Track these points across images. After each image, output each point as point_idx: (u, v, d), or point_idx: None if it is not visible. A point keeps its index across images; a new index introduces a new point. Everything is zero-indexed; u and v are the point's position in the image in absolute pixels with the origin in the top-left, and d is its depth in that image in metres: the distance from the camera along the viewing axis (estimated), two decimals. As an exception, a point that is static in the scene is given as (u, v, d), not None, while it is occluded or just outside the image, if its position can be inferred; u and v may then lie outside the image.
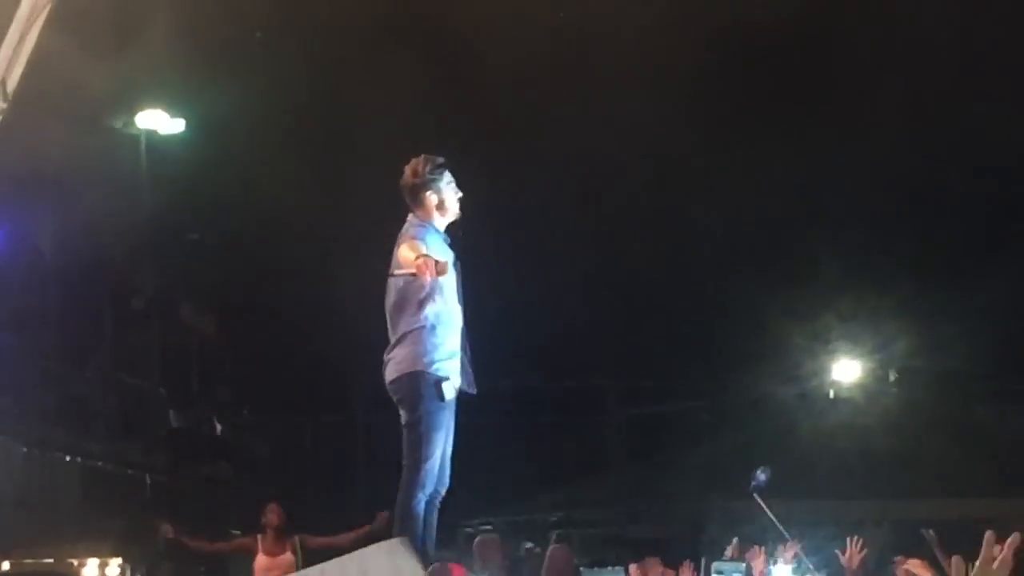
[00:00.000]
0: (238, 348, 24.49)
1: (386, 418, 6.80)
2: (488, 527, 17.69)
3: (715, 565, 9.48)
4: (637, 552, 12.06)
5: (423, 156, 6.98)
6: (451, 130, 16.85)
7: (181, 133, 20.50)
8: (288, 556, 11.46)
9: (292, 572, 10.14)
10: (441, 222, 6.93)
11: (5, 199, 13.55)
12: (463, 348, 6.84)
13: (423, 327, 6.67)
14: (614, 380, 27.18)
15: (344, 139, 18.97)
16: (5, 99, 7.97)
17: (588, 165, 21.36)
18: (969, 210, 22.85)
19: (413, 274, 6.38)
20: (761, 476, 10.05)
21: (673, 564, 10.40)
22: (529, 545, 14.05)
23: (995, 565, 3.41)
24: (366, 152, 16.72)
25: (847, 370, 24.44)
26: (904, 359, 23.86)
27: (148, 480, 19.57)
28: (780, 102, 20.54)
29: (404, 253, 6.52)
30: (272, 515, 11.67)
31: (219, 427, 23.66)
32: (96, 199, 17.04)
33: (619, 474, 24.97)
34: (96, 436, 18.80)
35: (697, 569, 9.72)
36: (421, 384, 6.65)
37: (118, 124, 20.15)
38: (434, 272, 6.24)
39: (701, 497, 20.38)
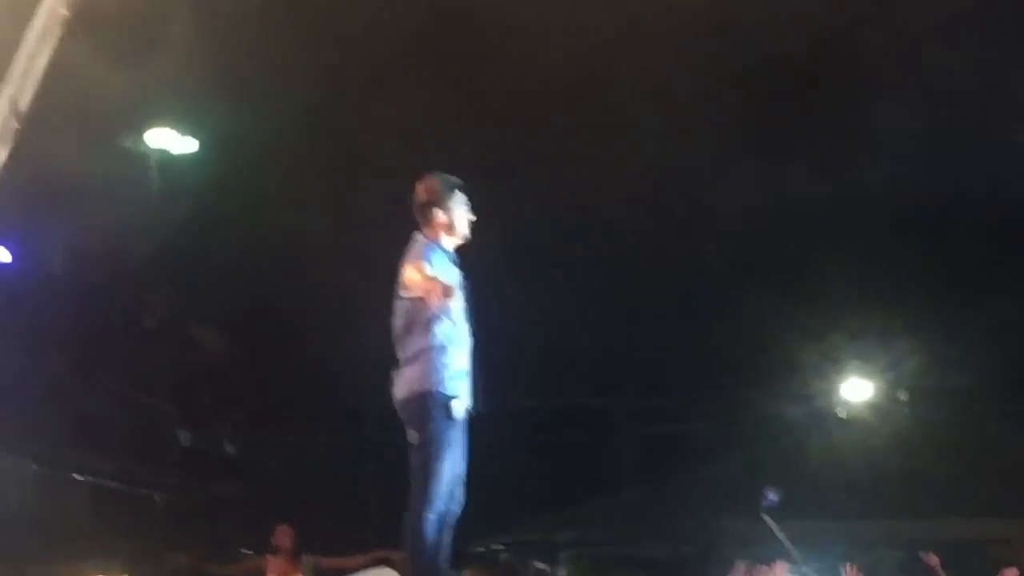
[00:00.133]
0: (249, 367, 24.50)
1: (398, 437, 6.78)
2: (501, 548, 17.67)
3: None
4: (648, 572, 12.04)
5: (438, 174, 6.97)
6: (466, 151, 16.86)
7: (194, 153, 20.57)
8: (300, 578, 11.47)
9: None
10: (449, 242, 6.89)
11: (18, 218, 13.57)
12: (472, 367, 6.82)
13: (432, 347, 6.64)
14: (624, 400, 27.16)
15: (358, 160, 18.99)
16: (19, 119, 7.99)
17: (599, 185, 21.37)
18: (980, 229, 22.81)
19: (421, 298, 6.38)
20: (771, 496, 10.03)
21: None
22: (541, 566, 14.05)
23: None
24: (380, 172, 16.74)
25: (857, 389, 24.31)
26: (915, 378, 23.77)
27: (158, 499, 19.59)
28: (792, 121, 20.52)
29: (410, 275, 6.50)
30: (283, 537, 11.66)
31: (230, 446, 23.68)
32: (108, 218, 17.06)
33: (629, 494, 24.88)
34: (106, 455, 18.82)
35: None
36: (431, 403, 6.62)
37: (130, 143, 20.20)
38: (441, 297, 6.24)
39: (711, 517, 20.26)
